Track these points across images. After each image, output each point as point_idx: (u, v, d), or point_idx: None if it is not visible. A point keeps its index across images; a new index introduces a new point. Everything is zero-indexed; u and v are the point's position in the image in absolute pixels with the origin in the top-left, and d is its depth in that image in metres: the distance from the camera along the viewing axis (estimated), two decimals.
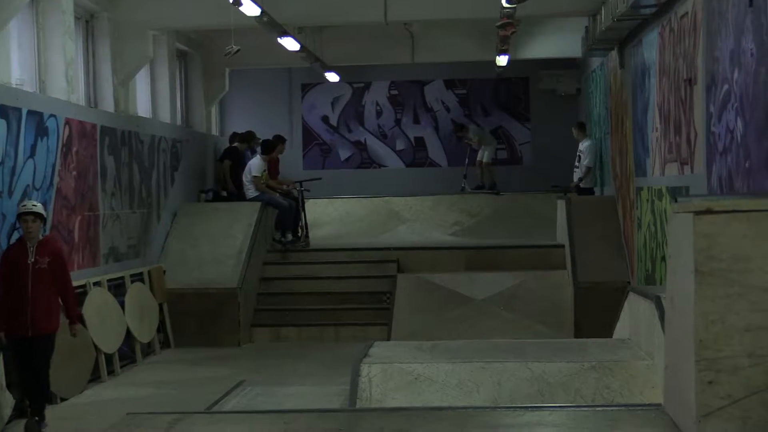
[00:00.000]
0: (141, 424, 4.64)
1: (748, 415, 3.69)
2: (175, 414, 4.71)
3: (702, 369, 3.68)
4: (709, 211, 3.69)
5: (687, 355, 3.81)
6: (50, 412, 12.87)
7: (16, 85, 14.20)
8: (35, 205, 11.87)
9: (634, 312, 9.99)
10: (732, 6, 10.75)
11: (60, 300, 11.90)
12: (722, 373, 3.67)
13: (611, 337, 11.41)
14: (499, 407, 4.81)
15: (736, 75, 10.60)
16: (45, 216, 12.08)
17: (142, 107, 19.71)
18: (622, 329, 10.97)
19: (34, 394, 11.66)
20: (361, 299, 19.26)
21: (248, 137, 22.80)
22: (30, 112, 13.95)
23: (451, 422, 4.40)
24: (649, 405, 4.62)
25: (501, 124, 26.87)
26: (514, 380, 8.28)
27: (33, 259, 11.52)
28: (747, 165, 10.23)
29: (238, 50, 16.36)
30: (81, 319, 13.43)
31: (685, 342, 3.83)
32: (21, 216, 11.77)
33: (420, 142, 27.03)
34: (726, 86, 11.02)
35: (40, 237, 11.82)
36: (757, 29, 9.88)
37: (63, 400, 13.54)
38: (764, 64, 9.60)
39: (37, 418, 11.50)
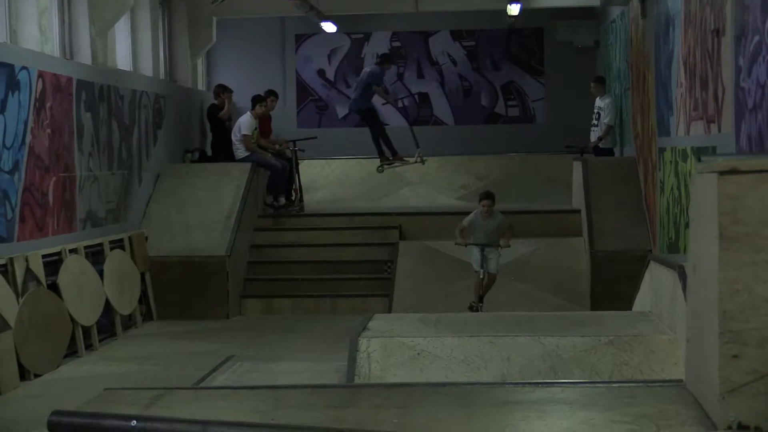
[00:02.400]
0: (119, 400, 4.66)
1: None
2: (156, 390, 4.74)
3: (726, 342, 3.69)
4: (734, 171, 3.69)
5: (710, 327, 3.83)
6: (23, 388, 12.96)
7: None
8: None
9: (656, 283, 10.01)
10: None
11: None
12: (748, 346, 3.69)
13: (630, 309, 11.44)
14: (507, 383, 4.84)
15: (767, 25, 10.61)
16: None
17: (122, 59, 19.71)
18: (642, 301, 11.00)
19: None
20: (360, 268, 19.31)
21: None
22: (0, 64, 13.97)
23: (454, 399, 4.42)
24: (669, 381, 4.65)
25: (512, 78, 26.79)
26: (524, 356, 8.31)
27: None
28: None
29: None
30: None
31: (708, 313, 3.85)
32: None
33: (424, 98, 26.98)
34: (757, 37, 11.02)
35: None
36: None
37: (37, 376, 13.59)
38: None
39: None
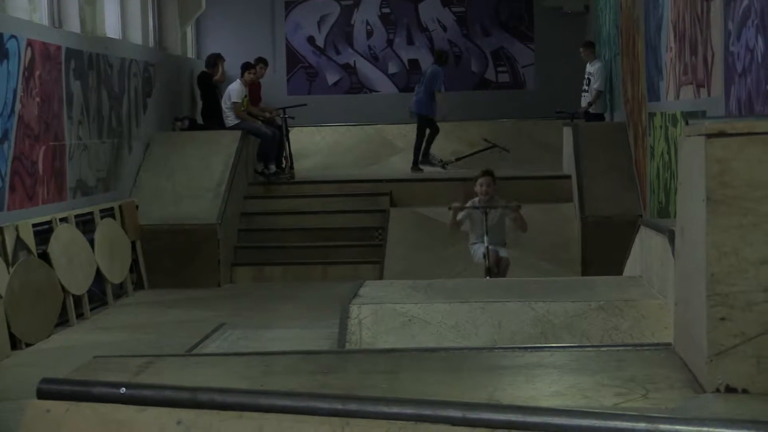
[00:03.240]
0: (109, 367, 4.68)
1: (762, 354, 3.73)
2: (146, 357, 4.76)
3: (714, 305, 3.71)
4: (722, 134, 3.70)
5: (698, 290, 3.84)
6: (14, 357, 12.98)
7: None
8: None
9: (646, 247, 10.02)
10: None
11: None
12: (735, 309, 3.70)
13: (621, 274, 11.47)
14: (497, 348, 4.86)
15: None
16: None
17: (111, 27, 19.64)
18: (632, 266, 11.02)
19: None
20: (350, 235, 19.34)
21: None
22: None
23: (444, 364, 4.44)
24: (657, 344, 4.67)
25: (502, 44, 26.78)
26: (515, 321, 8.33)
27: None
28: (760, 84, 10.26)
29: None
30: None
31: (696, 276, 3.86)
32: None
33: (414, 64, 26.93)
34: (746, 1, 11.01)
35: None
36: None
37: (28, 345, 13.62)
38: None
39: None
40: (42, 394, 3.89)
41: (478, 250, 13.52)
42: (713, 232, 3.72)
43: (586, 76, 21.42)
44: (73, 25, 17.59)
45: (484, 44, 26.68)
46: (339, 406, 3.44)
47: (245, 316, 15.17)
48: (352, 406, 3.39)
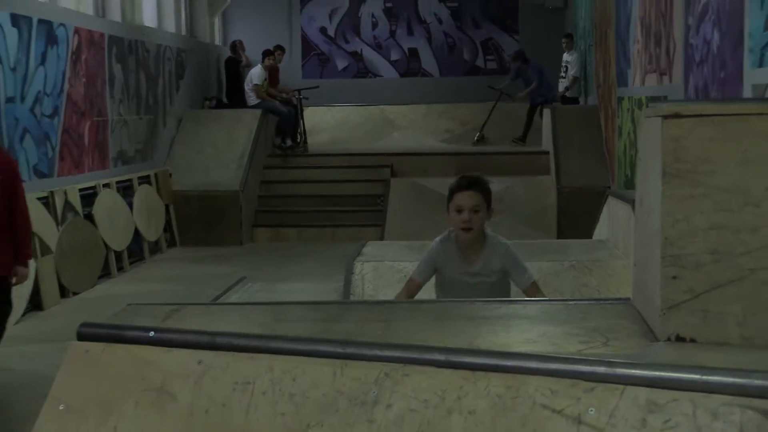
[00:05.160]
0: (141, 314, 4.67)
1: (708, 308, 3.73)
2: (173, 305, 4.75)
3: (667, 265, 3.70)
4: (676, 115, 3.68)
5: (654, 252, 3.84)
6: (63, 305, 13.02)
7: None
8: None
9: (613, 215, 10.01)
10: None
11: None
12: (686, 269, 3.70)
13: (591, 238, 11.45)
14: (477, 301, 4.86)
15: None
16: None
17: (148, 17, 19.61)
18: (601, 231, 11.01)
19: None
20: (356, 202, 19.32)
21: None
22: (40, 21, 13.92)
23: (431, 315, 4.43)
24: (618, 299, 4.66)
25: (491, 36, 26.76)
26: None
27: None
28: (722, 75, 10.22)
29: None
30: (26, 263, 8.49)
31: (652, 240, 3.86)
32: None
33: (413, 52, 26.93)
34: (700, 0, 10.97)
35: None
36: None
37: (75, 294, 13.69)
38: None
39: None
40: (81, 337, 3.87)
41: None
42: (667, 202, 3.71)
43: (563, 64, 21.38)
44: (115, 14, 17.57)
45: (474, 35, 26.65)
46: (339, 349, 3.44)
47: (263, 271, 15.16)
48: (350, 350, 3.39)
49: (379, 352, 3.31)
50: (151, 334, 3.78)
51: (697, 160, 3.56)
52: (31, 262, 9.36)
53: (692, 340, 3.60)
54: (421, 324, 4.24)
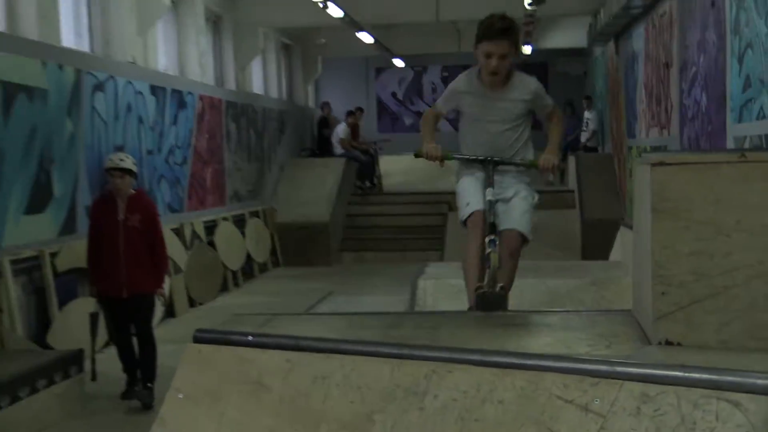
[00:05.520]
0: (243, 321, 4.71)
1: (690, 319, 3.70)
2: (268, 315, 4.79)
3: (657, 284, 3.68)
4: (662, 164, 3.67)
5: (647, 273, 3.82)
6: (191, 313, 13.09)
7: (163, 70, 14.37)
8: (123, 160, 8.07)
9: (624, 241, 9.91)
10: (699, 6, 10.57)
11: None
12: (672, 286, 3.67)
13: (608, 260, 11.35)
14: (509, 312, 4.84)
15: (701, 60, 10.45)
16: (135, 171, 8.12)
17: (257, 86, 19.81)
18: (615, 254, 10.89)
19: (142, 358, 8.16)
20: (421, 231, 19.28)
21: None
22: (173, 91, 14.13)
23: (473, 322, 4.42)
24: (620, 310, 4.62)
25: None
26: (532, 292, 8.24)
27: (123, 216, 7.96)
28: (710, 128, 10.11)
29: (325, 42, 16.43)
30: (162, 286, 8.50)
31: (645, 263, 3.84)
32: (108, 171, 8.03)
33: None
34: (694, 69, 10.86)
35: (132, 191, 8.12)
36: (716, 24, 9.72)
37: (200, 304, 13.76)
38: (722, 51, 9.45)
39: (148, 384, 8.10)
40: (196, 340, 3.92)
41: (469, 179, 5.53)
42: (656, 232, 3.69)
43: (585, 120, 21.23)
44: (231, 84, 17.77)
45: None
46: (395, 351, 3.45)
47: (347, 286, 15.16)
48: (404, 351, 3.40)
49: (427, 353, 3.32)
50: (249, 338, 3.81)
51: (679, 200, 3.54)
52: (167, 279, 9.65)
53: (678, 344, 3.57)
54: (464, 330, 4.24)
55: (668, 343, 3.61)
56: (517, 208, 5.05)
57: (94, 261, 8.12)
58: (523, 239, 5.01)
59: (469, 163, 5.14)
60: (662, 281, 3.55)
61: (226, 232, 15.74)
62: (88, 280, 8.44)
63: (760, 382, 2.68)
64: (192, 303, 13.57)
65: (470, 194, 5.28)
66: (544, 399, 3.01)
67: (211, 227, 15.20)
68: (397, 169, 23.54)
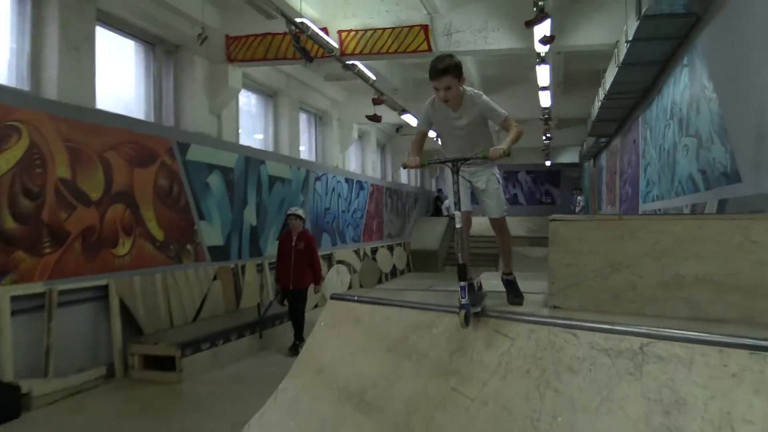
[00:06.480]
0: (357, 292, 4.48)
1: (566, 296, 3.61)
2: (391, 290, 4.73)
3: (550, 278, 3.64)
4: (557, 219, 3.72)
5: (549, 273, 3.79)
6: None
7: (353, 170, 14.53)
8: (296, 210, 7.57)
9: None
10: (628, 143, 10.43)
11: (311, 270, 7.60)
12: (557, 279, 3.63)
13: None
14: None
15: (629, 170, 10.27)
16: (303, 217, 7.62)
17: (404, 178, 19.46)
18: None
19: (296, 327, 7.51)
20: (489, 257, 18.66)
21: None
22: (357, 181, 14.27)
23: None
24: (542, 292, 4.43)
25: (548, 189, 25.85)
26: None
27: (294, 243, 7.49)
28: (632, 206, 9.90)
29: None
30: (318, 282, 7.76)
31: (549, 269, 3.84)
32: (288, 216, 7.59)
33: (515, 196, 25.74)
34: (625, 175, 10.68)
35: (301, 229, 7.58)
36: (635, 152, 9.59)
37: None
38: (637, 166, 9.30)
39: (297, 342, 7.45)
40: (332, 298, 4.20)
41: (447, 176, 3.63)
42: (551, 253, 3.72)
43: (578, 200, 20.59)
44: (389, 178, 17.69)
45: (541, 188, 25.75)
46: (421, 305, 3.47)
47: (446, 282, 14.66)
48: (429, 305, 3.46)
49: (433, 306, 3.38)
50: (355, 297, 4.11)
51: (565, 239, 3.63)
52: (345, 272, 9.54)
53: (559, 308, 3.54)
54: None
55: (554, 307, 3.68)
56: (493, 197, 3.94)
57: (278, 268, 7.54)
58: (504, 217, 3.96)
59: (443, 164, 3.66)
60: (553, 277, 3.66)
61: (382, 253, 15.71)
62: (275, 278, 7.78)
63: (587, 324, 2.74)
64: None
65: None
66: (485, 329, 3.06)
67: (374, 250, 15.25)
68: (475, 220, 22.97)
